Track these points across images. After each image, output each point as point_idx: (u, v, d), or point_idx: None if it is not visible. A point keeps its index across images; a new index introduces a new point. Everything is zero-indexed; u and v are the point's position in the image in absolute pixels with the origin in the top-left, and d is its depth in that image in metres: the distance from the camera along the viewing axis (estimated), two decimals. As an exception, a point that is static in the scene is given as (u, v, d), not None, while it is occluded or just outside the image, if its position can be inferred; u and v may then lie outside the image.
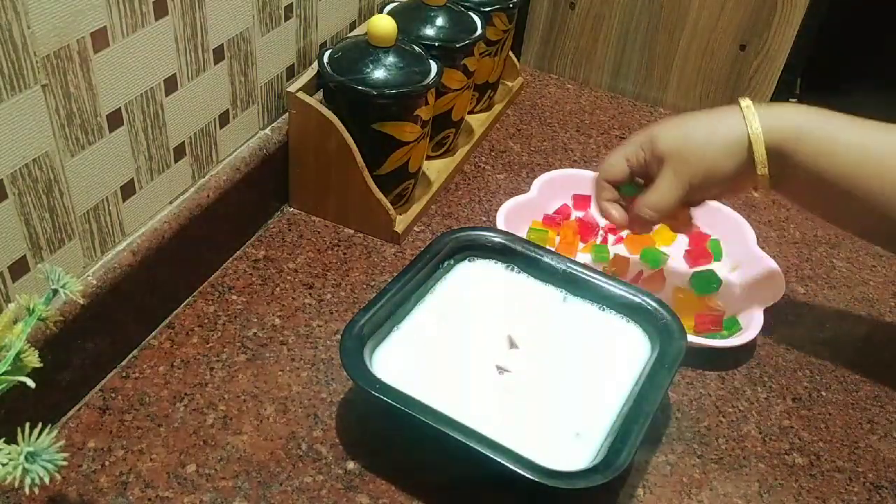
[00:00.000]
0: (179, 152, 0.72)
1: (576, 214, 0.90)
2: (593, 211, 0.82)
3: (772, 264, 0.83)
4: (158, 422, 0.66)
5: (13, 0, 0.51)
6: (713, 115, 0.69)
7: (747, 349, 0.76)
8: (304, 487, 0.63)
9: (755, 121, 0.65)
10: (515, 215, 0.86)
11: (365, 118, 0.80)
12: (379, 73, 0.78)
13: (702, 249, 0.87)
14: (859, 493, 0.67)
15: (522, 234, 0.85)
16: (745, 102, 0.67)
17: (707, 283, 0.81)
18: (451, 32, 0.88)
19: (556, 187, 0.91)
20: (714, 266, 0.85)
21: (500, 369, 0.68)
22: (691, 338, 0.74)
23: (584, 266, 0.76)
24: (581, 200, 0.91)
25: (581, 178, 0.92)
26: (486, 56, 0.98)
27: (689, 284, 0.82)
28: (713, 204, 0.90)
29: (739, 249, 0.86)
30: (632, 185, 0.74)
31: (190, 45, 0.68)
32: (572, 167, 1.00)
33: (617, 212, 0.73)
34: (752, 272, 0.84)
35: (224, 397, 0.69)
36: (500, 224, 0.83)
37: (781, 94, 1.14)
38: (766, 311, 0.78)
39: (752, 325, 0.76)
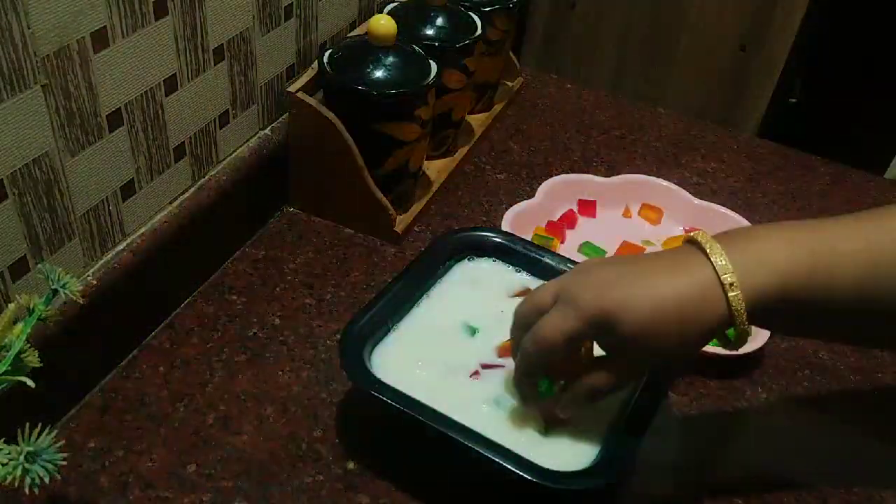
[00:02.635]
0: (179, 152, 0.72)
1: (582, 219, 0.90)
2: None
3: None
4: (158, 422, 0.66)
5: (13, 0, 0.51)
6: (677, 275, 0.54)
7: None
8: (304, 487, 0.63)
9: (738, 301, 0.52)
10: (520, 221, 0.85)
11: (365, 118, 0.80)
12: (379, 73, 0.78)
13: None
14: (859, 493, 0.67)
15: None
16: (713, 252, 0.53)
17: None
18: (451, 32, 0.88)
19: (562, 192, 0.91)
20: None
21: (500, 369, 0.68)
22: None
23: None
24: (586, 205, 0.91)
25: (587, 183, 0.92)
26: (486, 56, 0.98)
27: None
28: (714, 206, 0.90)
29: None
30: (548, 382, 0.60)
31: (190, 45, 0.68)
32: (572, 167, 1.00)
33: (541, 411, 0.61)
34: None
35: (224, 397, 0.69)
36: (507, 230, 0.83)
37: (781, 94, 1.14)
38: None
39: (761, 331, 0.75)
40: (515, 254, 0.77)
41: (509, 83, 1.12)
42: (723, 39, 1.11)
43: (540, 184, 0.91)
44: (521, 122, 1.08)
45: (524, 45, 1.25)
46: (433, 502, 0.63)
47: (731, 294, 0.52)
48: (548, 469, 0.57)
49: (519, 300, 0.73)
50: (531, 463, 0.57)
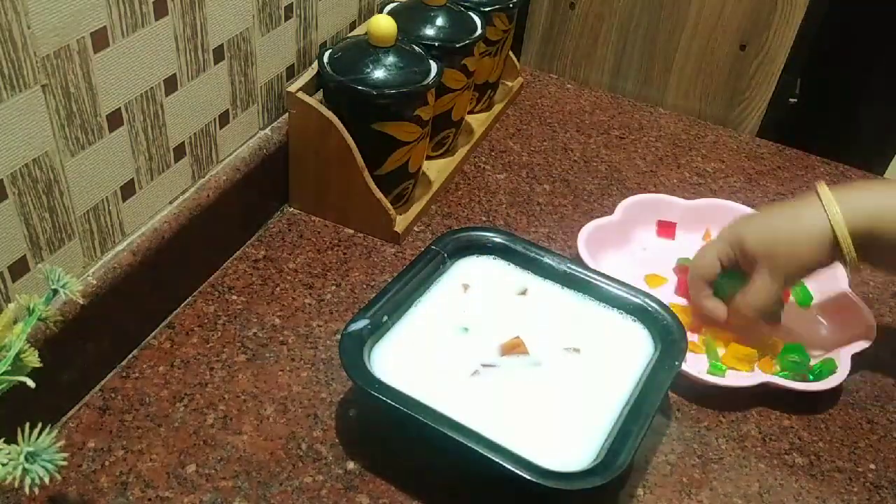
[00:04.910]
0: (179, 152, 0.72)
1: (660, 241, 0.89)
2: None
3: (863, 308, 0.80)
4: (158, 422, 0.66)
5: (13, 0, 0.51)
6: (794, 207, 0.72)
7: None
8: (304, 487, 0.63)
9: (835, 210, 0.68)
10: (597, 237, 0.83)
11: (365, 118, 0.80)
12: (379, 73, 0.78)
13: None
14: (859, 493, 0.67)
15: (603, 257, 0.83)
16: (823, 190, 0.70)
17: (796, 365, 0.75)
18: (451, 32, 0.88)
19: (640, 211, 0.89)
20: (803, 311, 0.82)
21: (500, 369, 0.68)
22: (770, 377, 0.72)
23: (585, 266, 0.76)
24: (665, 227, 0.90)
25: (666, 203, 0.90)
26: (486, 56, 0.98)
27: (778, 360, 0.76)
28: None
29: (828, 290, 0.82)
30: (727, 277, 0.76)
31: (190, 45, 0.68)
32: (572, 167, 1.00)
33: (717, 308, 0.76)
34: (839, 315, 0.81)
35: (224, 397, 0.69)
36: (581, 246, 0.81)
37: (781, 94, 1.14)
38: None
39: (839, 370, 0.73)
40: (516, 253, 0.77)
41: (509, 83, 1.12)
42: (723, 39, 1.11)
43: (541, 184, 0.91)
44: (521, 122, 1.08)
45: (524, 45, 1.25)
46: (433, 502, 0.63)
47: (835, 225, 0.68)
48: (548, 469, 0.57)
49: (523, 300, 0.74)
50: (531, 463, 0.58)
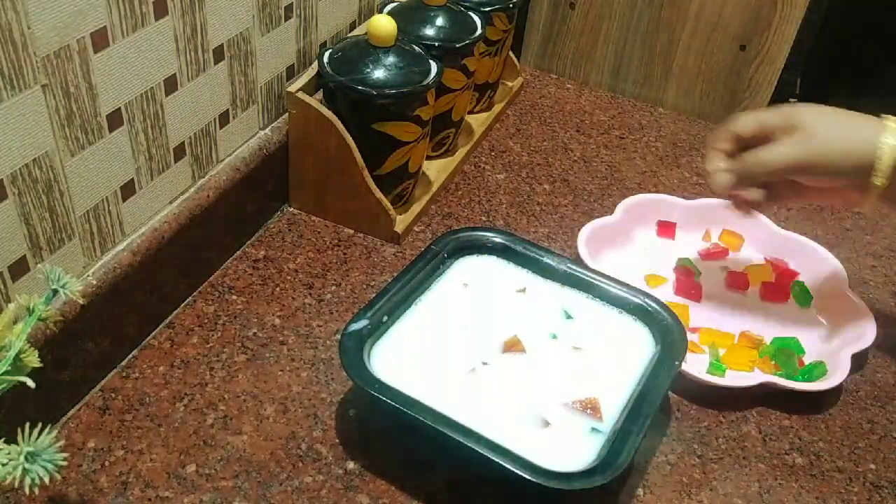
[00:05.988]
0: (179, 152, 0.72)
1: (660, 241, 0.89)
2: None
3: (862, 307, 0.79)
4: (158, 422, 0.66)
5: (13, 0, 0.51)
6: (856, 116, 0.70)
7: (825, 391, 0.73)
8: (304, 487, 0.63)
9: (889, 136, 0.67)
10: (597, 237, 0.83)
11: (365, 118, 0.80)
12: (379, 73, 0.78)
13: (782, 287, 0.84)
14: (859, 493, 0.67)
15: (603, 257, 0.82)
16: (891, 120, 0.68)
17: (788, 359, 0.75)
18: (451, 32, 0.88)
19: (640, 211, 0.89)
20: (802, 311, 0.83)
21: (500, 368, 0.68)
22: (770, 377, 0.72)
23: (585, 266, 0.76)
24: (665, 227, 0.89)
25: (666, 203, 0.90)
26: (486, 56, 0.98)
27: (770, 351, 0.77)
28: (796, 236, 0.87)
29: (828, 290, 0.82)
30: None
31: (190, 45, 0.68)
32: (572, 167, 1.00)
33: (724, 169, 0.73)
34: (839, 315, 0.80)
35: (224, 397, 0.69)
36: (581, 246, 0.81)
37: (781, 94, 1.14)
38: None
39: (838, 369, 0.73)
40: (516, 253, 0.77)
41: (509, 83, 1.12)
42: (723, 39, 1.11)
43: (541, 184, 0.91)
44: (521, 122, 1.08)
45: (524, 45, 1.25)
46: (433, 502, 0.63)
47: (883, 135, 0.67)
48: (548, 469, 0.57)
49: (523, 299, 0.74)
50: (531, 463, 0.58)
